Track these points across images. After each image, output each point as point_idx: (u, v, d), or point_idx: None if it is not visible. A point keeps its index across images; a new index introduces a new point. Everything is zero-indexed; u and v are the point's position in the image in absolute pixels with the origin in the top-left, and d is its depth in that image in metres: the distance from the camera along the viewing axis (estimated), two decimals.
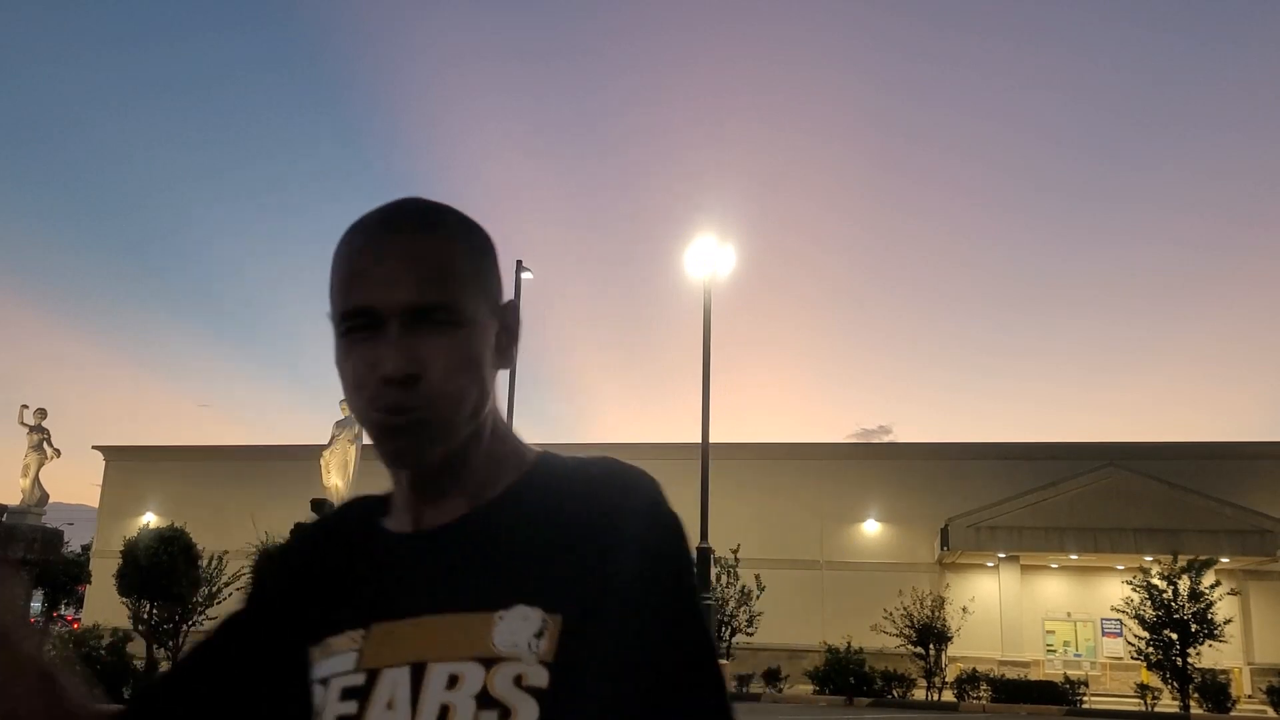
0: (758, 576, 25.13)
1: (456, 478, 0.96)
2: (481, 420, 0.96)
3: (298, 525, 1.13)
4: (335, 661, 0.93)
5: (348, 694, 0.90)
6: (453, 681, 0.86)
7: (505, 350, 0.99)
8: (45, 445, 21.11)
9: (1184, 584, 23.23)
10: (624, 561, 0.89)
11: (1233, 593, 24.76)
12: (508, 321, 1.00)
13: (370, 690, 0.89)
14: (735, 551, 24.74)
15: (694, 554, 0.95)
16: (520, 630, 0.86)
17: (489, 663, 0.85)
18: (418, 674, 0.87)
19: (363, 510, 1.05)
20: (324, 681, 0.93)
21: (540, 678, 0.84)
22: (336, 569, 1.00)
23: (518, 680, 0.84)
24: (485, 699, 0.84)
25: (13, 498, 20.00)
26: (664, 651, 0.89)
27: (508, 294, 1.03)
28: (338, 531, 1.04)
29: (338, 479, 21.39)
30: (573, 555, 0.89)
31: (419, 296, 0.90)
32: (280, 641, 0.99)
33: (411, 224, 0.94)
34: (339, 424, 21.41)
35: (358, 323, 0.92)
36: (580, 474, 0.97)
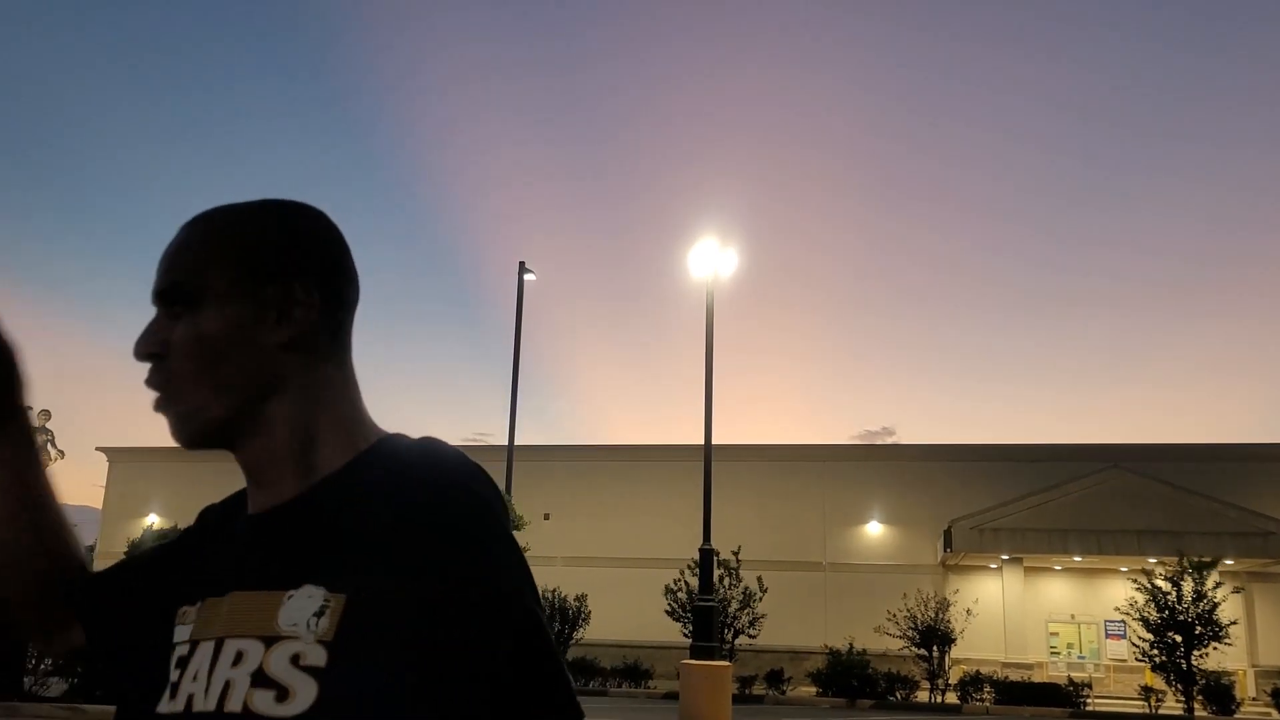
0: (760, 579, 25.12)
1: (271, 461, 0.98)
2: (269, 400, 0.97)
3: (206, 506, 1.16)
4: (180, 630, 0.97)
5: (178, 661, 0.94)
6: (238, 658, 0.87)
7: (276, 329, 0.97)
8: (49, 447, 21.16)
9: (1188, 585, 23.20)
10: (418, 545, 0.86)
11: (1237, 590, 24.71)
12: (275, 300, 0.97)
13: (188, 660, 0.92)
14: (736, 553, 24.72)
15: (502, 532, 0.91)
16: (303, 609, 0.86)
17: (270, 641, 0.86)
18: (218, 648, 0.90)
19: (240, 500, 1.08)
20: (172, 646, 0.97)
21: (318, 656, 0.83)
22: (209, 541, 1.05)
23: (295, 659, 0.84)
24: (260, 677, 0.84)
25: None
26: (454, 629, 0.84)
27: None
28: (230, 506, 1.09)
29: None
30: (371, 536, 0.89)
31: (157, 281, 0.98)
32: (155, 598, 1.04)
33: (183, 226, 1.02)
34: None
35: None
36: (401, 457, 0.96)
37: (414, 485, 0.91)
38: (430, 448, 0.97)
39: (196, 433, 0.98)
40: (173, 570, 1.06)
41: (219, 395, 0.96)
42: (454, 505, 0.90)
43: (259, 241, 0.99)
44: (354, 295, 1.05)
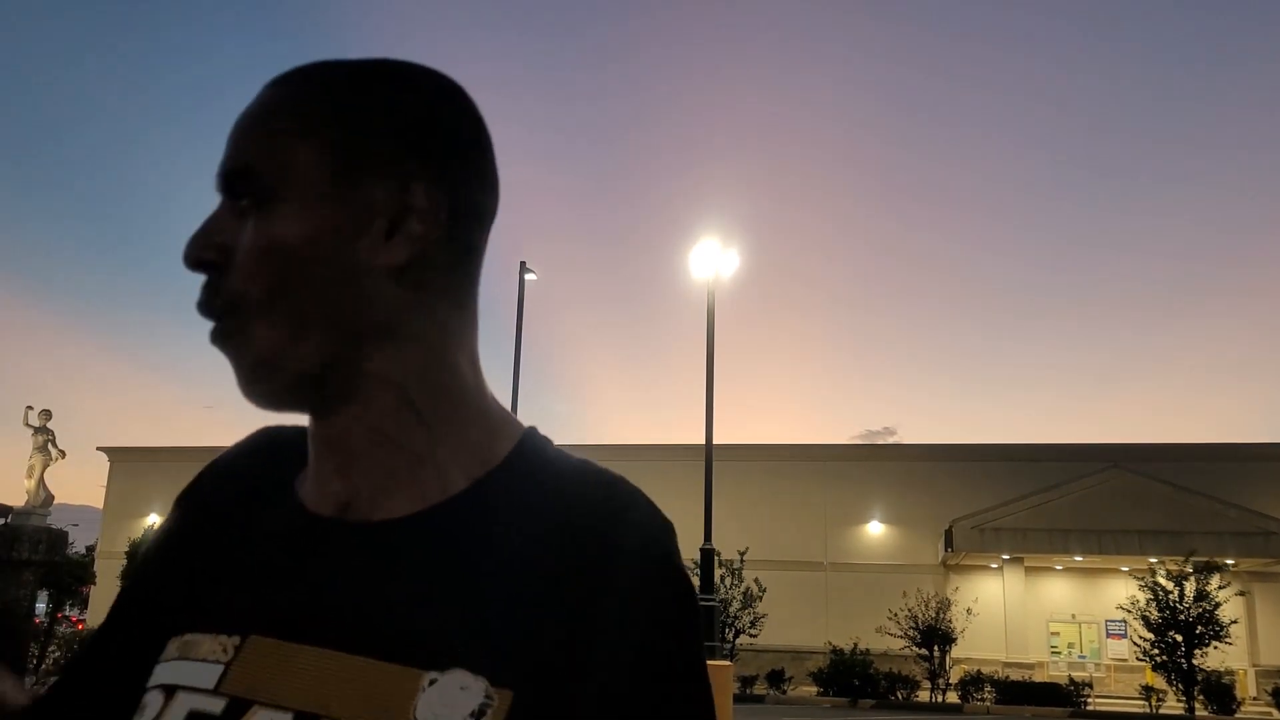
0: (757, 580, 25.10)
1: (373, 442, 0.70)
2: (371, 348, 0.69)
3: (210, 464, 0.82)
4: (191, 669, 0.68)
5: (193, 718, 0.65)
6: None
7: (386, 247, 0.69)
8: (50, 447, 21.13)
9: (1190, 585, 23.19)
10: (608, 630, 0.65)
11: (1241, 593, 24.69)
12: (387, 205, 0.69)
13: None
14: (743, 554, 24.73)
15: (699, 627, 0.70)
16: (455, 704, 0.62)
17: None
18: None
19: (278, 448, 0.79)
20: (169, 690, 0.67)
21: None
22: (228, 526, 0.75)
23: None
24: None
25: (18, 499, 20.04)
26: None
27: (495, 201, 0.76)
28: (247, 471, 0.79)
29: None
30: (542, 607, 0.65)
31: (226, 159, 0.70)
32: (149, 626, 0.74)
33: (274, 81, 0.73)
34: None
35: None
36: (571, 490, 0.72)
37: (611, 549, 0.67)
38: (616, 488, 0.73)
39: (275, 388, 0.69)
40: (168, 579, 0.76)
41: (300, 333, 0.67)
42: (668, 596, 0.68)
43: (367, 106, 0.70)
44: (493, 207, 0.76)
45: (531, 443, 0.76)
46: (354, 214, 0.68)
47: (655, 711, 0.64)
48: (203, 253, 0.68)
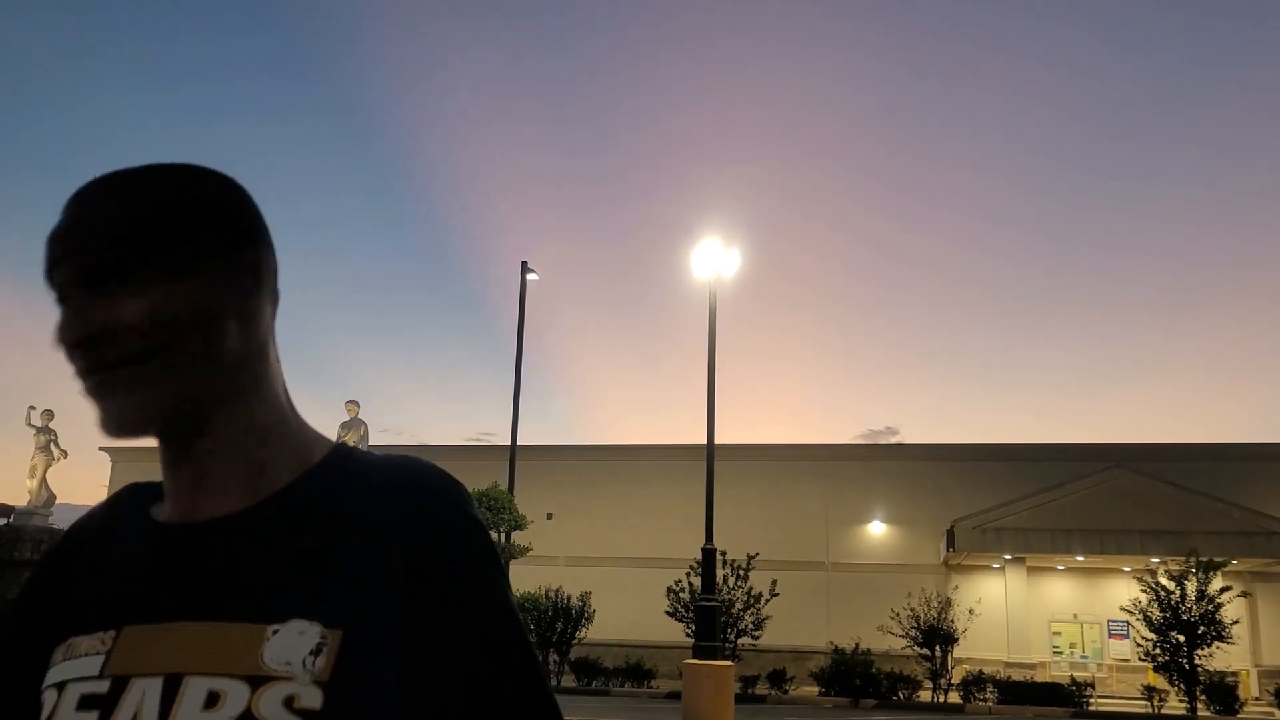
0: (775, 582, 25.01)
1: (217, 461, 0.86)
2: (233, 383, 0.85)
3: (69, 527, 0.99)
4: (77, 664, 0.82)
5: (87, 702, 0.79)
6: (212, 699, 0.75)
7: (247, 294, 0.87)
8: (52, 446, 21.16)
9: (1192, 585, 23.17)
10: (417, 571, 0.82)
11: (1244, 594, 24.67)
12: (251, 268, 0.88)
13: (115, 701, 0.78)
14: (753, 557, 24.71)
15: (496, 561, 0.88)
16: (296, 646, 0.77)
17: (257, 681, 0.76)
18: (171, 687, 0.77)
19: (137, 496, 0.94)
20: (59, 686, 0.81)
21: (314, 698, 0.75)
22: (94, 561, 0.90)
23: (288, 702, 0.75)
24: None
25: (20, 499, 20.07)
26: (461, 669, 0.81)
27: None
28: (106, 519, 0.94)
29: None
30: (362, 563, 0.81)
31: (85, 259, 0.82)
32: (32, 646, 0.89)
33: (91, 191, 0.86)
34: (344, 425, 21.45)
35: None
36: (378, 473, 0.88)
37: (406, 505, 0.85)
38: (416, 464, 0.89)
39: (145, 431, 0.84)
40: (42, 605, 0.91)
41: (189, 380, 0.83)
42: (455, 532, 0.85)
43: (217, 202, 0.87)
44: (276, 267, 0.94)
45: (343, 449, 0.93)
46: (213, 282, 0.84)
47: (472, 631, 0.82)
48: (86, 330, 0.80)
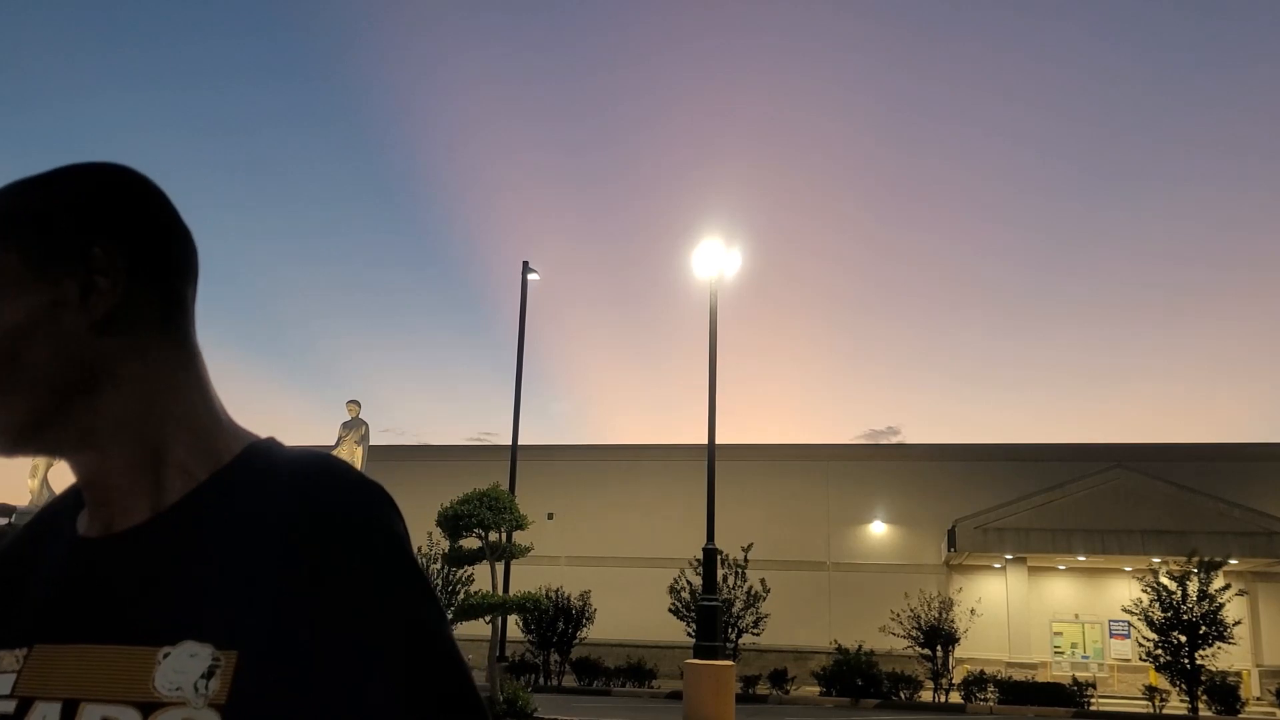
0: (763, 580, 25.10)
1: (109, 473, 0.83)
2: (92, 396, 0.81)
3: (27, 521, 0.97)
4: None
5: None
6: None
7: (81, 309, 0.82)
8: None
9: (1193, 585, 23.16)
10: (318, 584, 0.78)
11: (1241, 593, 24.66)
12: (73, 272, 0.82)
13: None
14: (747, 551, 24.73)
15: (410, 564, 0.83)
16: (186, 670, 0.74)
17: (148, 708, 0.74)
18: (69, 713, 0.75)
19: (65, 506, 0.91)
20: None
21: None
22: (19, 574, 0.87)
23: None
24: None
25: (22, 499, 20.10)
26: (358, 681, 0.77)
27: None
28: (34, 529, 0.92)
29: None
30: (261, 577, 0.78)
31: None
32: None
33: None
34: (345, 425, 21.46)
35: None
36: (287, 476, 0.84)
37: (309, 513, 0.80)
38: (324, 464, 0.85)
39: (4, 444, 0.82)
40: None
41: (24, 398, 0.80)
42: (359, 539, 0.80)
43: (45, 209, 0.83)
44: (185, 257, 0.88)
45: (257, 447, 0.88)
46: (49, 287, 0.80)
47: (383, 647, 0.77)
48: None
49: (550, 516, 31.89)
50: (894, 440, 50.43)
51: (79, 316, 0.81)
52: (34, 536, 0.91)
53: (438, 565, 21.11)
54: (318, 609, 0.77)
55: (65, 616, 0.80)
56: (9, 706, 0.78)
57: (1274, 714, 24.39)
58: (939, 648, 25.38)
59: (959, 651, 26.04)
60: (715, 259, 17.49)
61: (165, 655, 0.75)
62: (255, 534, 0.80)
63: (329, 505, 0.81)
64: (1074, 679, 24.50)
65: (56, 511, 0.92)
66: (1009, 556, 30.41)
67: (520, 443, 25.13)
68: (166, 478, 0.83)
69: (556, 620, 26.21)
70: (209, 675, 0.74)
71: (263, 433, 0.92)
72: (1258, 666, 28.96)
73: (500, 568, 16.04)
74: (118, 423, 0.82)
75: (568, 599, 26.61)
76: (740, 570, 25.09)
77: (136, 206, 0.85)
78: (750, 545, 24.97)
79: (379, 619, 0.79)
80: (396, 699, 0.77)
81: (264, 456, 0.87)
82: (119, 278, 0.82)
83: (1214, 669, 23.24)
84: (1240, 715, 22.93)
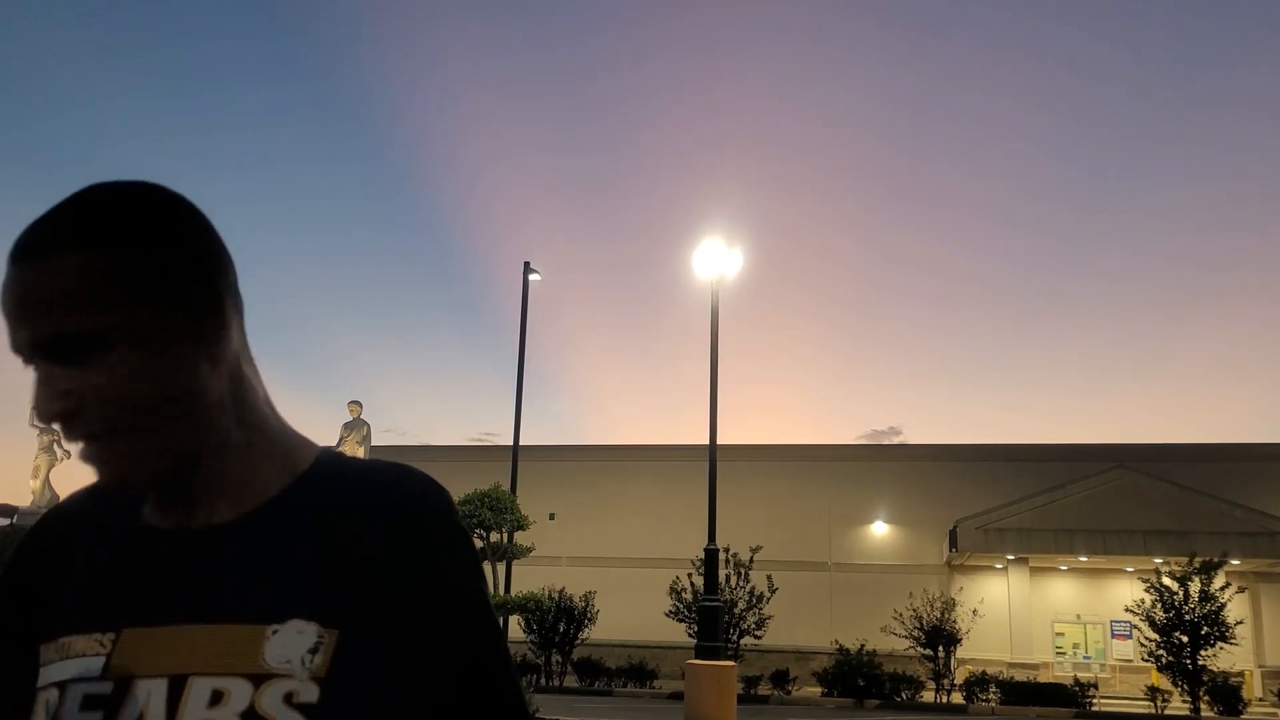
0: (770, 578, 25.07)
1: (209, 483, 0.88)
2: (215, 422, 0.86)
3: (52, 509, 0.99)
4: (77, 664, 0.83)
5: (90, 702, 0.80)
6: (216, 698, 0.79)
7: (215, 340, 0.86)
8: (55, 447, 21.19)
9: (1195, 585, 23.14)
10: (407, 576, 0.86)
11: (1241, 590, 24.62)
12: (213, 305, 0.87)
13: (119, 702, 0.80)
14: (755, 552, 24.73)
15: (481, 568, 0.95)
16: (295, 645, 0.81)
17: (259, 679, 0.79)
18: (176, 687, 0.79)
19: (95, 504, 0.95)
20: (60, 685, 0.83)
21: (311, 693, 0.79)
22: (82, 555, 0.91)
23: (288, 698, 0.79)
24: (252, 717, 0.78)
25: (23, 499, 20.11)
26: (449, 667, 0.87)
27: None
28: (91, 512, 0.95)
29: None
30: (354, 566, 0.85)
31: (49, 329, 0.80)
32: (16, 641, 0.90)
33: (34, 248, 0.82)
34: (347, 426, 21.46)
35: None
36: (366, 479, 0.92)
37: (397, 514, 0.89)
38: (403, 471, 0.93)
39: (177, 467, 0.86)
40: (38, 598, 0.91)
41: (182, 425, 0.84)
42: (442, 536, 0.90)
43: (171, 239, 0.85)
44: (235, 273, 0.93)
45: (329, 454, 0.95)
46: (185, 332, 0.84)
47: (457, 635, 0.88)
48: (64, 405, 0.81)
49: (552, 517, 31.89)
50: (896, 440, 50.45)
51: (206, 354, 0.86)
52: (61, 533, 0.94)
53: None
54: (413, 602, 0.86)
55: (156, 602, 0.84)
56: (105, 688, 0.81)
57: (1276, 714, 24.36)
58: (941, 648, 25.37)
59: (961, 652, 26.02)
60: (716, 259, 17.48)
61: (274, 632, 0.81)
62: (347, 529, 0.87)
63: (415, 507, 0.90)
64: (1076, 679, 24.48)
65: (84, 510, 0.95)
66: (1011, 557, 30.40)
67: (521, 443, 25.12)
68: (253, 483, 0.89)
69: (558, 621, 26.20)
70: (314, 650, 0.81)
71: None
72: (1260, 667, 28.93)
73: (502, 568, 16.02)
74: (224, 440, 0.88)
75: (569, 599, 26.60)
76: (744, 571, 25.08)
77: (219, 241, 0.90)
78: (759, 547, 24.96)
79: (467, 620, 0.90)
80: (478, 690, 0.88)
81: (338, 463, 0.94)
82: (231, 304, 0.88)
83: (1216, 669, 23.22)
84: (1242, 716, 22.92)
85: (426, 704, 0.86)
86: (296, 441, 0.95)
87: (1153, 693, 23.42)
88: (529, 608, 15.70)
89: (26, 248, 0.82)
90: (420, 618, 0.86)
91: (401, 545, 0.87)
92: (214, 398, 0.86)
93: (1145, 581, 23.86)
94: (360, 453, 21.42)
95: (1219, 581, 23.31)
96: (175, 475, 0.86)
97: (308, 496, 0.90)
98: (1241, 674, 25.35)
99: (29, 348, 0.81)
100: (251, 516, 0.88)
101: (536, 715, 15.02)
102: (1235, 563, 26.69)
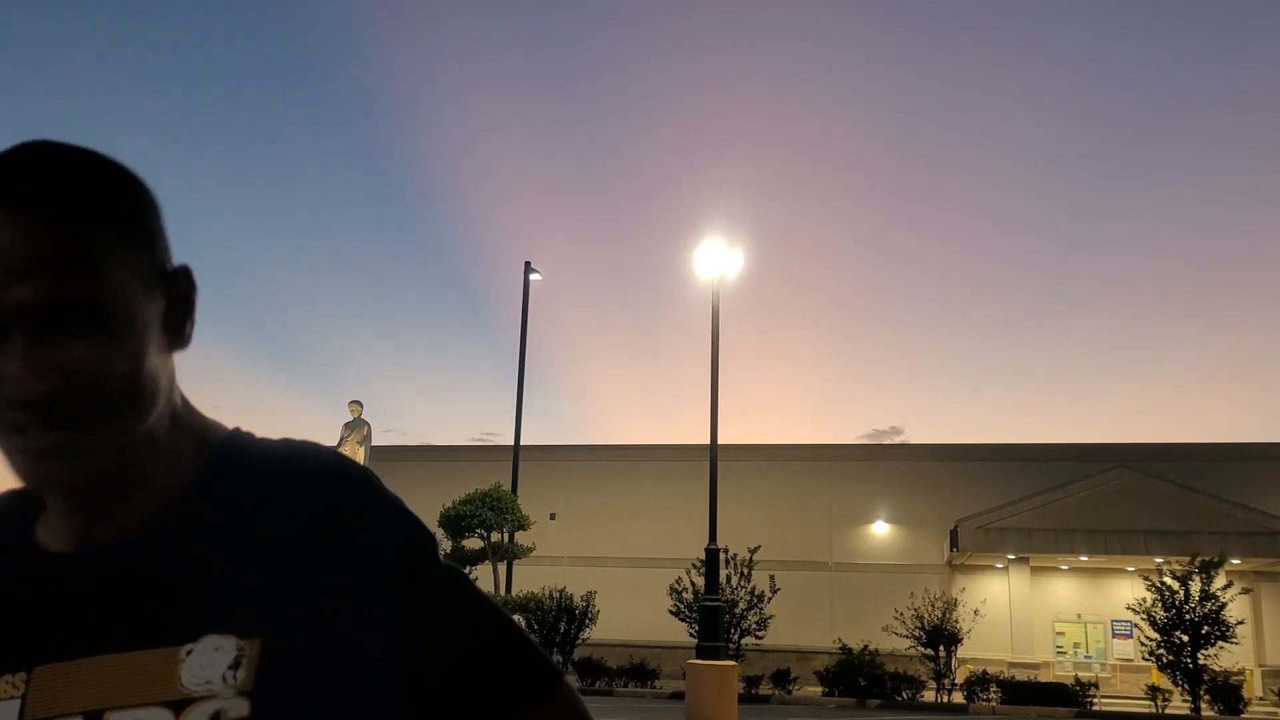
0: (772, 578, 25.05)
1: (123, 485, 0.80)
2: (152, 417, 0.79)
3: None
4: None
5: None
6: None
7: (178, 328, 0.82)
8: None
9: (1195, 585, 23.14)
10: (331, 558, 0.79)
11: (1245, 591, 24.63)
12: (178, 292, 0.82)
13: None
14: (754, 551, 24.74)
15: (419, 526, 0.85)
16: (213, 663, 0.74)
17: (179, 705, 0.73)
18: None
19: (10, 510, 0.87)
20: None
21: (240, 708, 0.73)
22: None
23: (215, 717, 0.73)
24: None
25: None
26: (425, 636, 0.80)
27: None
28: None
29: None
30: (273, 566, 0.78)
31: (45, 293, 0.72)
32: None
33: (21, 196, 0.73)
34: (347, 426, 21.47)
35: None
36: (275, 465, 0.84)
37: (308, 490, 0.82)
38: (312, 451, 0.86)
39: (118, 470, 0.79)
40: None
41: (141, 420, 0.78)
42: (366, 503, 0.83)
43: (149, 216, 0.81)
44: None
45: (231, 439, 0.87)
46: (155, 307, 0.79)
47: (418, 600, 0.80)
48: (53, 383, 0.73)
49: (552, 517, 31.89)
50: (896, 440, 50.40)
51: (167, 333, 0.81)
52: None
53: None
54: (345, 574, 0.79)
55: (65, 634, 0.77)
56: None
57: (1277, 714, 24.36)
58: (942, 648, 25.36)
59: (961, 652, 26.01)
60: (717, 259, 17.49)
61: (188, 652, 0.75)
62: (258, 525, 0.80)
63: (336, 488, 0.83)
64: (1076, 679, 24.48)
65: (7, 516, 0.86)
66: (1011, 556, 30.39)
67: (522, 443, 25.15)
68: (158, 480, 0.82)
69: (559, 620, 26.19)
70: (235, 665, 0.74)
71: (266, 430, 0.91)
72: (1260, 666, 28.93)
73: (503, 568, 16.04)
74: (149, 435, 0.80)
75: (570, 599, 26.60)
76: (745, 571, 25.08)
77: (156, 205, 0.84)
78: (758, 547, 24.97)
79: (443, 591, 0.83)
80: (480, 661, 0.82)
81: (240, 448, 0.86)
82: (191, 299, 0.83)
83: (1217, 669, 23.22)
84: (1243, 715, 22.91)
85: (412, 683, 0.79)
86: (198, 426, 0.86)
87: (1153, 692, 23.41)
88: (530, 607, 15.72)
89: (9, 193, 0.74)
90: (362, 597, 0.78)
91: (319, 525, 0.80)
92: (164, 384, 0.80)
93: (1146, 580, 23.86)
94: (361, 453, 21.42)
95: (1221, 581, 23.31)
96: (108, 476, 0.78)
97: (213, 492, 0.82)
98: (1242, 673, 25.34)
99: (5, 311, 0.72)
100: (154, 523, 0.80)
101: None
102: (1236, 562, 26.68)
